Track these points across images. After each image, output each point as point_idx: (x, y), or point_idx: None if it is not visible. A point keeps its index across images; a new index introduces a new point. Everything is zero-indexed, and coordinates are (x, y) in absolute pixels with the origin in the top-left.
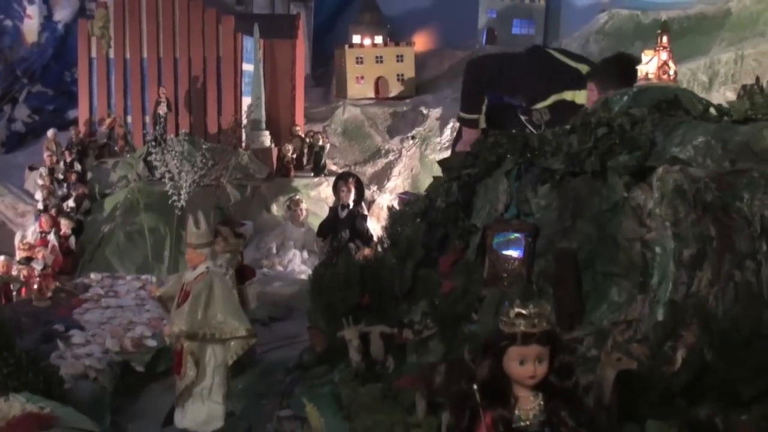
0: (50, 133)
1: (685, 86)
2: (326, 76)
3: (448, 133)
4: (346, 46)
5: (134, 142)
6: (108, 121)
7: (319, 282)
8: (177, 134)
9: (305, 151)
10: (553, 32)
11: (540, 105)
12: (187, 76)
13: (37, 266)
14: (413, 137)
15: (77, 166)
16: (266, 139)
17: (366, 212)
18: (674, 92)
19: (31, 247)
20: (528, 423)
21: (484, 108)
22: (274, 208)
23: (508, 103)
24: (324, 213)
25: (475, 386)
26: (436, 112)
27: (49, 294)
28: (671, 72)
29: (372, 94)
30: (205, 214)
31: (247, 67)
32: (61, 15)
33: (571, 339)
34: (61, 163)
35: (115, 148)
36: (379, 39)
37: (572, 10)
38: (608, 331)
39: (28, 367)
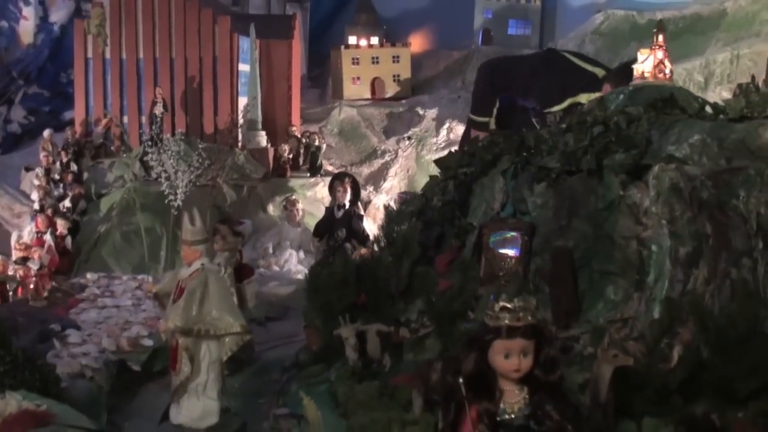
0: (46, 133)
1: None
2: (322, 77)
3: (444, 134)
4: (342, 47)
5: (130, 142)
6: (104, 121)
7: (315, 281)
8: (173, 134)
9: (301, 151)
10: (548, 33)
11: (555, 108)
12: (183, 76)
13: (34, 266)
14: (409, 138)
15: (73, 167)
16: (262, 139)
17: (362, 212)
18: (670, 90)
19: (28, 247)
20: (513, 416)
21: (494, 111)
22: (271, 208)
23: (520, 105)
24: (320, 213)
25: (460, 380)
26: (432, 113)
27: (46, 294)
28: (667, 71)
29: (368, 95)
30: (202, 214)
31: (244, 67)
32: (57, 16)
33: (567, 337)
34: (58, 164)
35: (112, 148)
36: (375, 40)
37: (568, 10)
38: (605, 329)
39: (24, 366)
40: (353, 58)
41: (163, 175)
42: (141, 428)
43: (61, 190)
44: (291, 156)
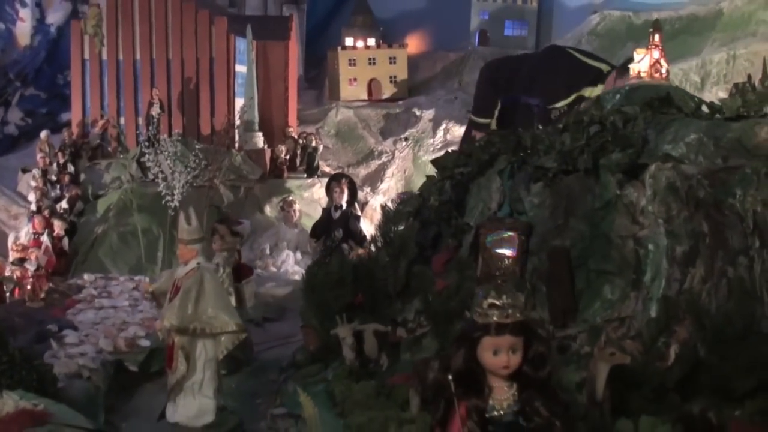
0: (43, 134)
1: (677, 85)
2: (319, 78)
3: (441, 135)
4: (339, 48)
5: (127, 143)
6: (101, 122)
7: (312, 281)
8: (170, 135)
9: (298, 152)
10: (545, 33)
11: (561, 103)
12: (179, 78)
13: (31, 267)
14: (406, 139)
15: (70, 168)
16: (259, 140)
17: (359, 213)
18: (666, 90)
19: (25, 248)
20: (502, 413)
21: (496, 112)
22: (268, 209)
23: (523, 103)
24: (317, 214)
25: (449, 376)
26: (428, 114)
27: (43, 295)
28: (663, 70)
29: (365, 96)
30: (199, 214)
31: (240, 68)
32: (54, 18)
33: (564, 336)
34: (54, 165)
35: (108, 150)
36: (371, 41)
37: (564, 11)
38: (602, 329)
39: (21, 366)
40: (350, 60)
41: (160, 176)
42: (138, 428)
43: (58, 192)
44: (288, 157)
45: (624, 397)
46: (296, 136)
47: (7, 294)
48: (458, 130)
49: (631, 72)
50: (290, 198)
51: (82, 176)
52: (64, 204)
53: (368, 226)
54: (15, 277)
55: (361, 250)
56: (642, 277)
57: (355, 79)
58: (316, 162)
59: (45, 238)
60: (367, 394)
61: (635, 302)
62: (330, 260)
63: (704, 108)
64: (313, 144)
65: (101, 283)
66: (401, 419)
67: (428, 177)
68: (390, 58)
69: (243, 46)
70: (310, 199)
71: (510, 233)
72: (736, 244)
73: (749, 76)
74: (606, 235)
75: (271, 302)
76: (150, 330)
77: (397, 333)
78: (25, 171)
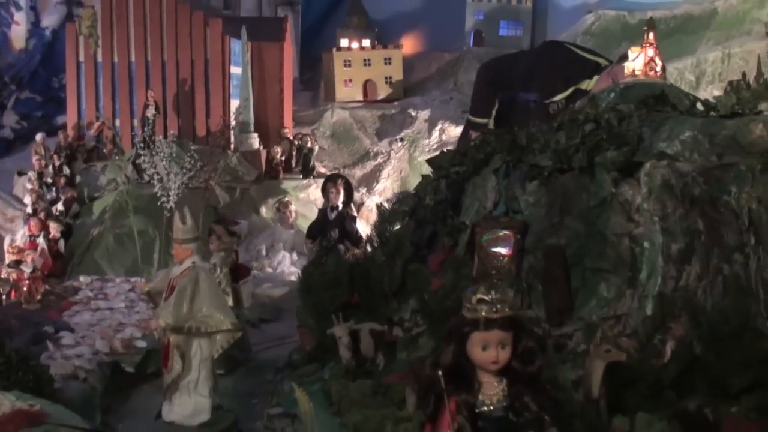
0: (39, 137)
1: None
2: (314, 79)
3: (436, 135)
4: (334, 49)
5: (123, 145)
6: (96, 124)
7: (308, 281)
8: (165, 137)
9: (294, 153)
10: (540, 33)
11: (559, 96)
12: (175, 79)
13: (27, 269)
14: (402, 139)
15: (66, 170)
16: (255, 141)
17: (355, 214)
18: (661, 88)
19: (21, 250)
20: (492, 408)
21: (493, 112)
22: (263, 210)
23: (521, 100)
24: (313, 215)
25: (439, 372)
26: (424, 114)
27: (39, 297)
28: (658, 68)
29: (360, 97)
30: (194, 215)
31: (235, 69)
32: (49, 21)
33: (560, 335)
34: (50, 167)
35: (104, 152)
36: (366, 42)
37: (559, 11)
38: (598, 326)
39: (18, 367)
40: (345, 61)
41: (156, 177)
42: (135, 429)
43: (53, 194)
44: (283, 158)
45: (620, 394)
46: (292, 138)
47: (4, 296)
48: (454, 131)
49: (626, 70)
50: (286, 199)
51: (78, 178)
52: (59, 206)
53: (364, 227)
54: (11, 279)
55: (356, 251)
56: (638, 275)
57: (350, 80)
58: (311, 163)
59: (41, 241)
60: (363, 393)
61: (631, 300)
62: (326, 260)
63: (699, 106)
64: (309, 145)
65: (97, 284)
66: (397, 418)
67: (424, 176)
68: (385, 59)
69: (238, 47)
70: (306, 200)
71: (506, 232)
72: (731, 241)
73: (744, 74)
74: (601, 233)
75: (268, 303)
76: (146, 331)
77: (394, 332)
78: (20, 174)
